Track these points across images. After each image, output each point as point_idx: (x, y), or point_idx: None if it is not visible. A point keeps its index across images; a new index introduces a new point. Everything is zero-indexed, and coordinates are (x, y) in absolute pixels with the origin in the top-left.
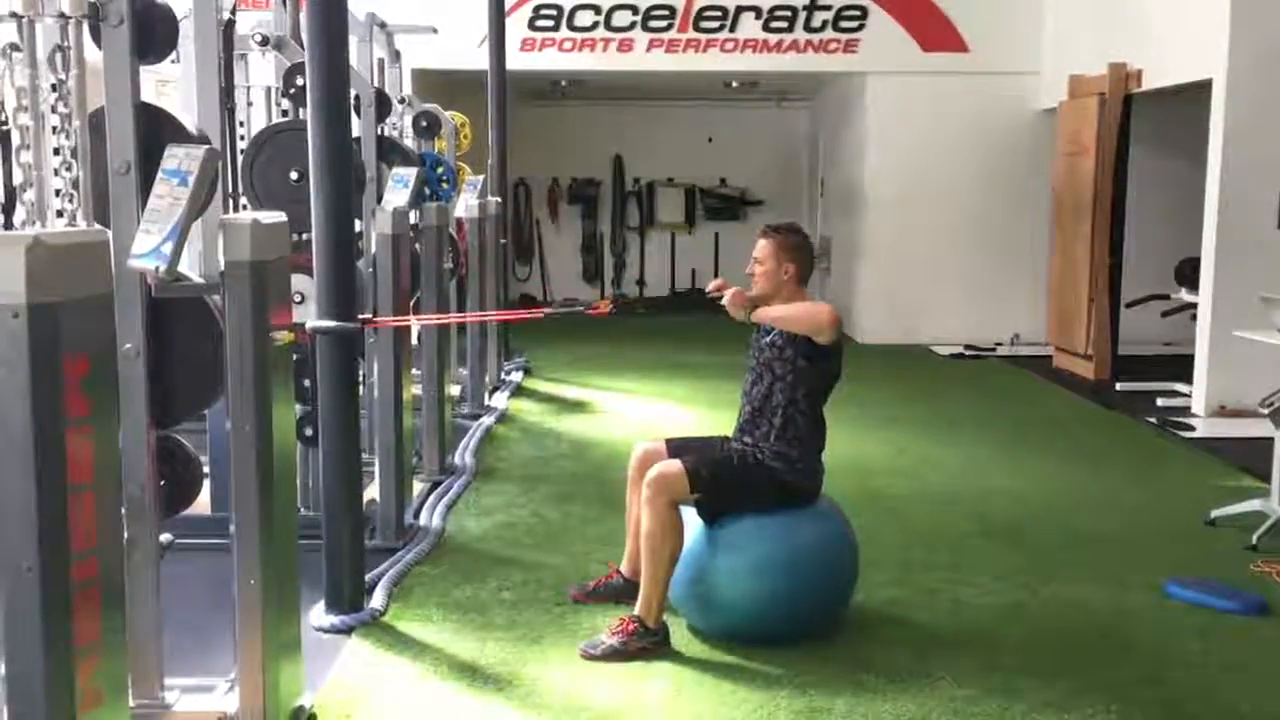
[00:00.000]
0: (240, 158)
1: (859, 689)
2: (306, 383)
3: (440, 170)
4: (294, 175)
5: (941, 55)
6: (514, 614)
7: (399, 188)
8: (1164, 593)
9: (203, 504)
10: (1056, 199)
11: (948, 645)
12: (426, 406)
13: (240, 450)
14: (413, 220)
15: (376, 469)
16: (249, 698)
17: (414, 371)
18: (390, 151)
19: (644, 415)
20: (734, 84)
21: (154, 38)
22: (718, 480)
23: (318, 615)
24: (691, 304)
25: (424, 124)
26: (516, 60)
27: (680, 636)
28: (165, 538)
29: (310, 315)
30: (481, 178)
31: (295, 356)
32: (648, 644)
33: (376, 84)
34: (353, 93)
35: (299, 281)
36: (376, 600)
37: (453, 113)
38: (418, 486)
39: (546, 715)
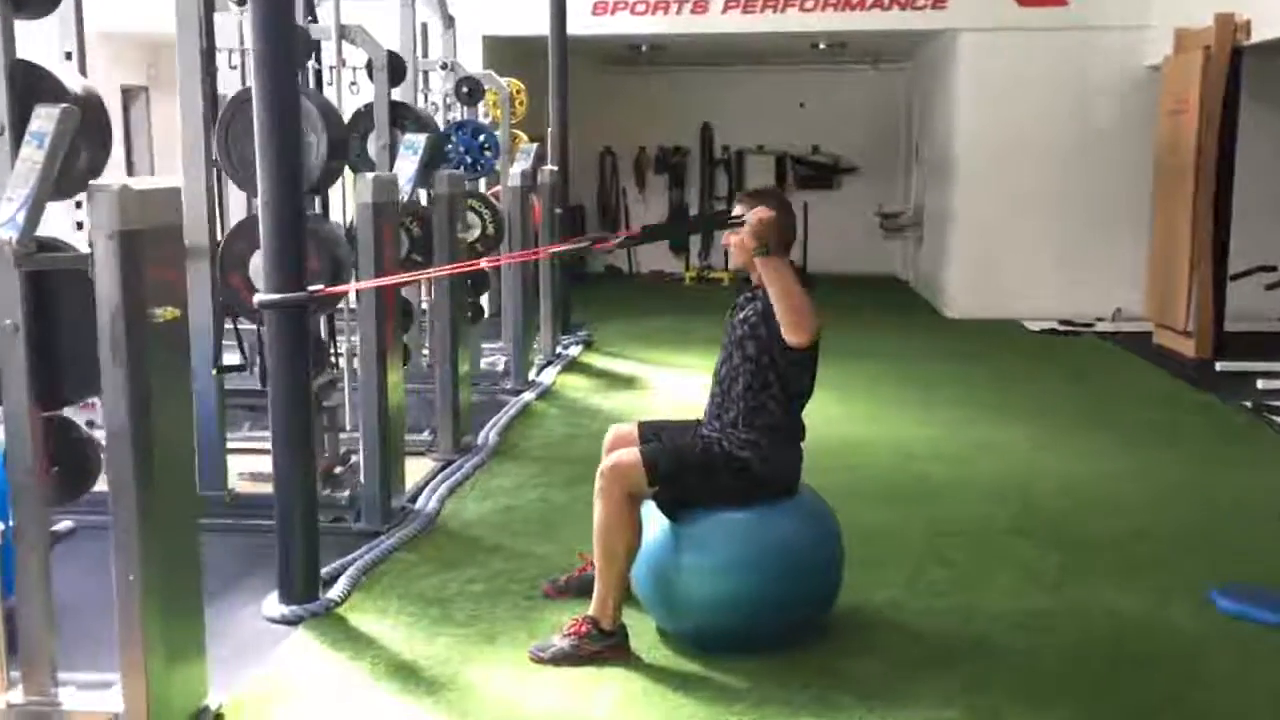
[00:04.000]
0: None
1: (824, 707)
2: None
3: (482, 138)
4: None
5: (1039, 10)
6: (477, 608)
7: (409, 154)
8: (1209, 601)
9: None
10: (1157, 162)
11: (941, 657)
12: (440, 383)
13: (113, 436)
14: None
15: (360, 449)
16: (132, 700)
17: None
18: (403, 116)
19: (695, 391)
20: (821, 46)
21: None
22: (678, 472)
23: (270, 604)
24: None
25: (465, 90)
26: (588, 24)
27: (646, 639)
28: (65, 525)
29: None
30: (535, 145)
31: None
32: (602, 647)
33: (421, 49)
34: (365, 57)
35: None
36: (336, 590)
37: (509, 79)
38: (428, 466)
39: None
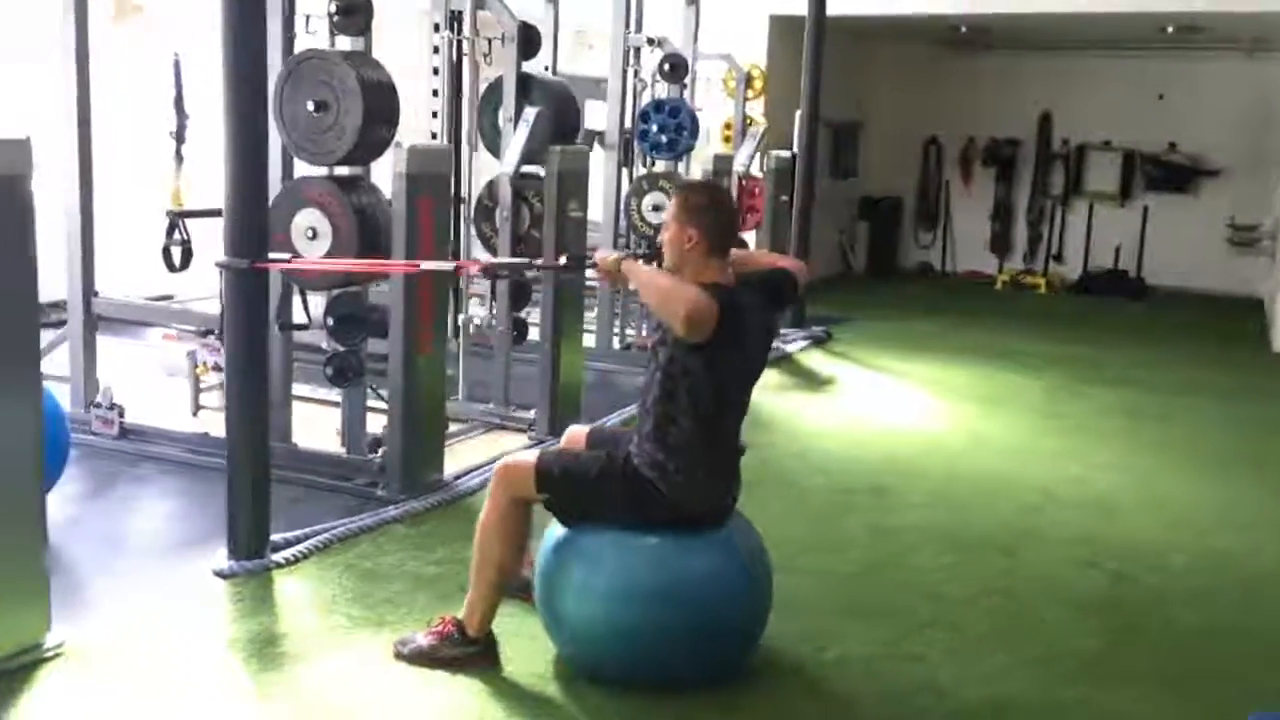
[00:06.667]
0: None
1: None
2: (331, 321)
3: (680, 118)
4: (310, 106)
5: None
6: (404, 592)
7: (522, 128)
8: None
9: None
10: None
11: None
12: (541, 362)
13: None
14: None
15: (390, 417)
16: None
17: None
18: (532, 89)
19: (878, 400)
20: (1169, 29)
21: None
22: (569, 482)
23: (219, 558)
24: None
25: (668, 67)
26: (874, 3)
27: (538, 654)
28: None
29: (320, 252)
30: (763, 128)
31: (334, 293)
32: (461, 653)
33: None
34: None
35: (311, 217)
36: (288, 551)
37: (750, 62)
38: (519, 443)
39: (266, 713)
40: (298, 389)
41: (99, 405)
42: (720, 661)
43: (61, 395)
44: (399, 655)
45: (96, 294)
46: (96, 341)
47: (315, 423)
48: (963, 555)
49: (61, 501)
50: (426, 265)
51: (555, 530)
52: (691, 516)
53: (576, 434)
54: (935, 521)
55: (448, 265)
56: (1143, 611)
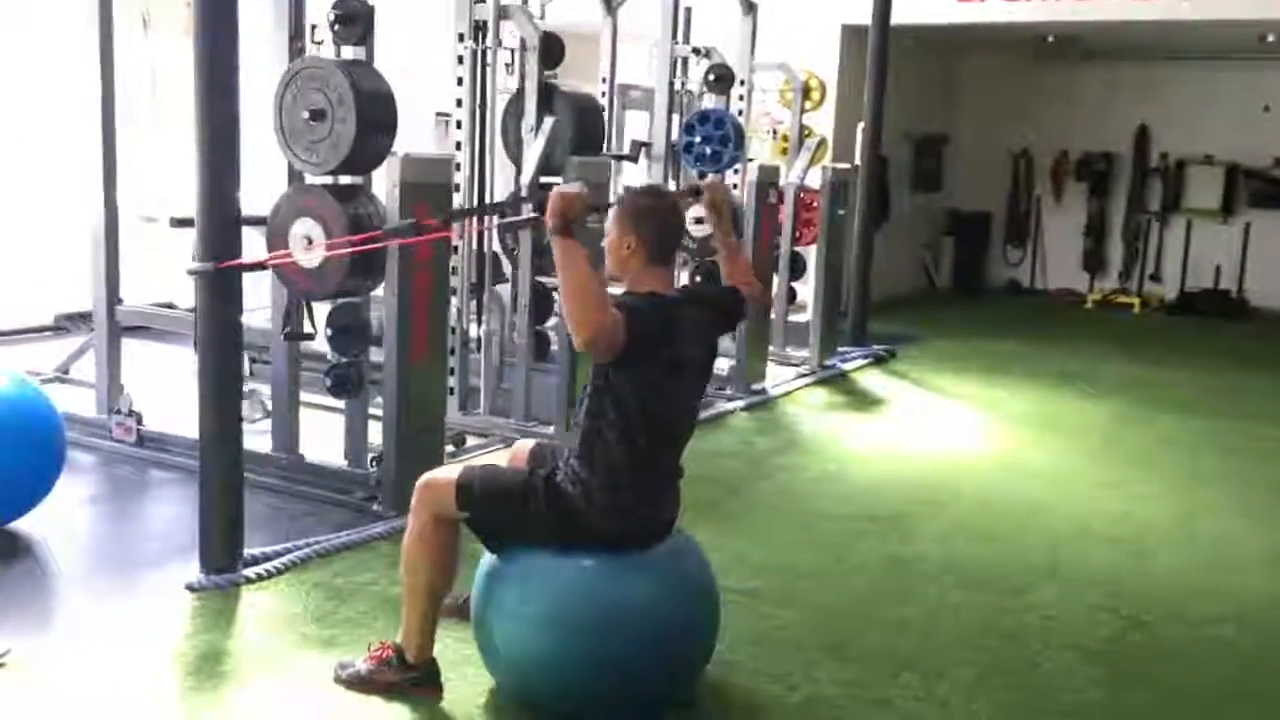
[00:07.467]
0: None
1: None
2: (329, 332)
3: (724, 130)
4: (304, 114)
5: None
6: (377, 614)
7: (542, 138)
8: None
9: None
10: None
11: None
12: (559, 373)
13: None
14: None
15: (384, 430)
16: None
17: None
18: (554, 98)
19: (927, 423)
20: (1270, 38)
21: None
22: (489, 499)
23: (192, 571)
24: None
25: (713, 78)
26: (951, 12)
27: (472, 687)
28: None
29: (316, 260)
30: (817, 139)
31: (339, 304)
32: (401, 679)
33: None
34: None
35: (307, 226)
36: (260, 567)
37: (808, 71)
38: None
39: None
40: (313, 398)
41: (119, 412)
42: (659, 693)
43: (87, 401)
44: (338, 679)
45: (120, 302)
46: (121, 348)
47: (327, 432)
48: (970, 592)
49: (61, 507)
50: (386, 229)
51: (487, 556)
52: (617, 538)
53: (521, 449)
54: (952, 554)
55: (406, 223)
56: (1153, 664)
